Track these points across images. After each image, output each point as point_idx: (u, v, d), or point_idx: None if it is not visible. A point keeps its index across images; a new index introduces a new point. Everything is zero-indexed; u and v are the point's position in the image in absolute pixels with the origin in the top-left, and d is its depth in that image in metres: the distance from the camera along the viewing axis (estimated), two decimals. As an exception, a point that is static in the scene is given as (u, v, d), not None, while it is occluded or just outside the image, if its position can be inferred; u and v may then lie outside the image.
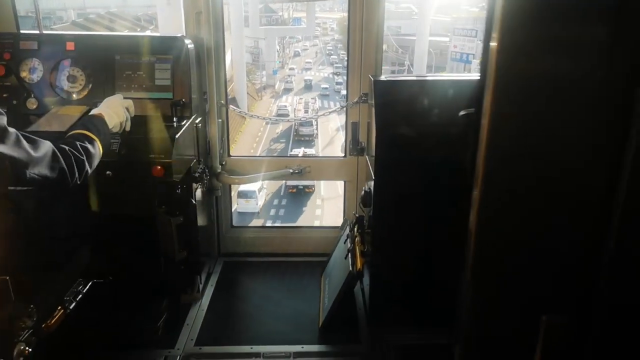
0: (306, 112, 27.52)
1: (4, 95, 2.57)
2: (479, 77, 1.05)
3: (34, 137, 1.72)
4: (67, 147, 1.84)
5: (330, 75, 34.97)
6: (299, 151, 21.38)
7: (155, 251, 2.60)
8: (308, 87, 35.44)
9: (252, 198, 16.22)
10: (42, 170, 1.70)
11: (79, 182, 1.86)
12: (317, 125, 24.43)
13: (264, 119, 4.30)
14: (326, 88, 30.96)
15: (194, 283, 2.95)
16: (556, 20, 0.88)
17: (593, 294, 0.96)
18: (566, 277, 1.01)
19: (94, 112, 2.18)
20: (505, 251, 1.05)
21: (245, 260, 3.45)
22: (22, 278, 1.71)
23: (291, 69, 40.88)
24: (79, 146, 1.89)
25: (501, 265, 1.05)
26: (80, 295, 2.17)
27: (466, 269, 1.06)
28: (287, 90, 34.67)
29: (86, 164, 1.88)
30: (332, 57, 38.90)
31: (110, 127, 2.15)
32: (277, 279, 3.27)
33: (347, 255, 2.77)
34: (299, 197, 18.32)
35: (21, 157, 1.62)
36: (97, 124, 2.08)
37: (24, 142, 1.65)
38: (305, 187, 17.90)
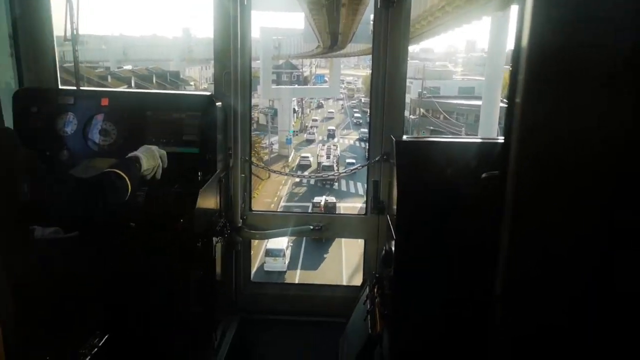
0: (328, 157, 27.82)
1: (39, 146, 2.68)
2: (503, 140, 1.06)
3: (59, 176, 1.81)
4: (91, 181, 1.94)
5: (357, 144, 33.91)
6: (321, 199, 21.55)
7: (172, 305, 2.57)
8: (331, 136, 35.43)
9: (280, 257, 16.19)
10: (65, 205, 1.76)
11: (102, 212, 1.94)
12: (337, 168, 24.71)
13: (286, 174, 4.36)
14: (352, 163, 28.84)
15: (209, 340, 2.89)
16: (582, 80, 0.88)
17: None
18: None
19: (130, 155, 2.26)
20: (534, 315, 1.00)
21: (263, 318, 3.37)
22: (37, 329, 1.70)
23: (314, 120, 40.67)
24: (105, 180, 1.97)
25: (530, 329, 1.01)
26: (96, 349, 2.14)
27: (492, 335, 1.01)
28: (309, 142, 34.50)
29: (110, 196, 1.96)
30: (361, 129, 36.30)
31: (144, 168, 2.23)
32: (295, 340, 3.18)
33: (366, 316, 2.69)
34: (320, 242, 18.17)
35: (50, 198, 1.69)
36: (128, 164, 2.17)
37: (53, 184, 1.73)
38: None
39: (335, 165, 26.36)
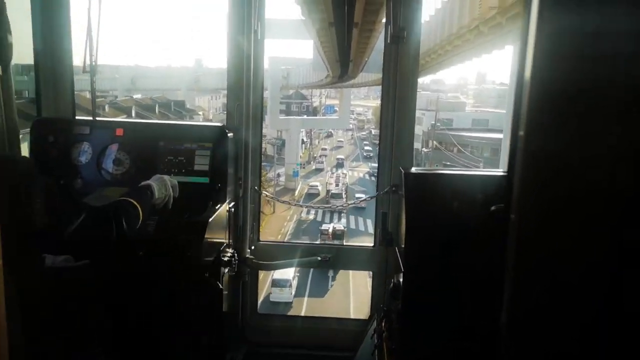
0: (337, 185, 27.91)
1: (54, 174, 2.73)
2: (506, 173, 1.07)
3: (74, 204, 1.84)
4: (105, 209, 1.97)
5: (367, 177, 33.39)
6: (329, 226, 21.40)
7: (179, 336, 2.56)
8: (340, 165, 35.29)
9: (286, 287, 16.06)
10: (79, 233, 1.79)
11: (115, 240, 1.96)
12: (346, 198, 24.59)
13: (295, 205, 4.37)
14: (360, 197, 28.41)
15: None
16: (583, 111, 0.90)
17: None
18: None
19: (143, 183, 2.30)
20: (542, 344, 0.99)
21: (269, 351, 3.33)
22: (43, 354, 1.70)
23: (323, 149, 40.58)
24: (118, 208, 2.00)
25: (538, 358, 0.99)
26: None
27: None
28: (318, 171, 34.34)
29: (123, 224, 1.97)
30: (371, 164, 35.03)
31: (156, 196, 2.26)
32: None
33: (374, 351, 2.66)
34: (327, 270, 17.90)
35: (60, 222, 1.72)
36: (141, 193, 2.20)
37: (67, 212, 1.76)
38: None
39: (343, 193, 26.36)
